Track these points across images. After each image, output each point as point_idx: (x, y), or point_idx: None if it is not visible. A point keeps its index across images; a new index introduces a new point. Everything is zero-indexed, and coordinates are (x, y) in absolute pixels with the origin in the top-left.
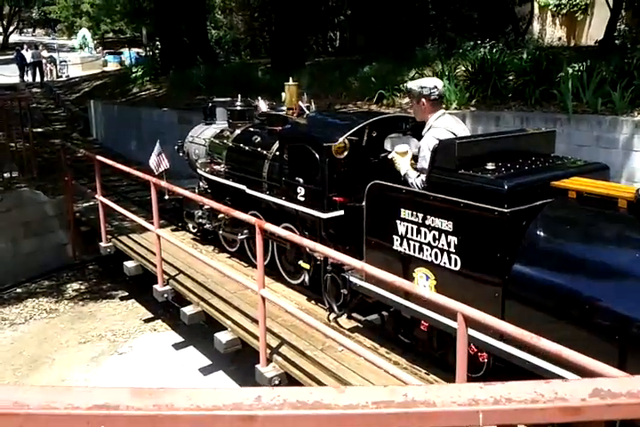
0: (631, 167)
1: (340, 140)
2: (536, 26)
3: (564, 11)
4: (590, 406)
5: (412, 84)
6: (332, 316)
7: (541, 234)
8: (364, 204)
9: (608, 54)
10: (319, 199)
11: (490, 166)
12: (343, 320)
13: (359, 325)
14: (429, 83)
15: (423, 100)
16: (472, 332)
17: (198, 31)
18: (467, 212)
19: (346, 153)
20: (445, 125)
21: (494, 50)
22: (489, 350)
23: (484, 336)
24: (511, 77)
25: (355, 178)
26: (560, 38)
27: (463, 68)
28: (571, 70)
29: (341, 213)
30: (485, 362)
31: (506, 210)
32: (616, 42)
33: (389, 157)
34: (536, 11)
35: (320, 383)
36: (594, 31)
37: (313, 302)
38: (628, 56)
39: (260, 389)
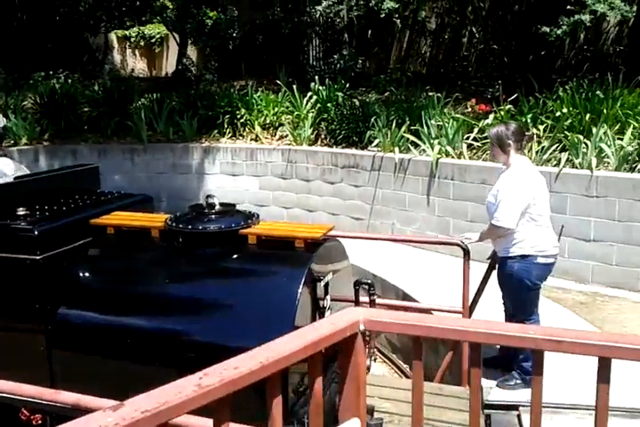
0: (207, 189)
1: None
2: (117, 56)
3: (142, 43)
4: None
5: None
6: None
7: (82, 274)
8: None
9: (179, 86)
10: None
11: (21, 212)
12: None
13: None
14: None
15: None
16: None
17: None
18: None
19: None
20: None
21: (69, 81)
22: (40, 408)
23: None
24: (86, 109)
25: None
26: (133, 70)
27: (32, 101)
28: (144, 101)
29: None
30: (42, 422)
31: (38, 257)
32: (188, 74)
33: None
34: (115, 42)
35: None
36: (171, 63)
37: None
38: (194, 88)
39: None
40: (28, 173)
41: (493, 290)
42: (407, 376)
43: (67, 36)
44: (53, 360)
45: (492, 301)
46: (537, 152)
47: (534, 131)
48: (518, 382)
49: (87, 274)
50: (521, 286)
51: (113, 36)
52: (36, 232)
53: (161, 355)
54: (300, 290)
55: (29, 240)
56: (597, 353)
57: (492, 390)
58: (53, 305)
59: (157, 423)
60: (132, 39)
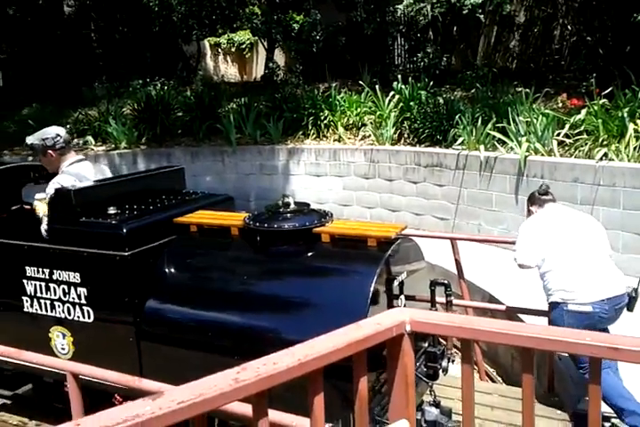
0: (291, 189)
1: None
2: (210, 62)
3: (233, 49)
4: None
5: (33, 139)
6: None
7: (167, 270)
8: None
9: (266, 89)
10: None
11: (112, 211)
12: None
13: (6, 401)
14: (50, 133)
15: (50, 151)
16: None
17: None
18: (91, 260)
19: None
20: (76, 171)
21: (165, 87)
22: (129, 395)
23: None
24: (180, 114)
25: None
26: (224, 75)
27: (131, 107)
28: (234, 105)
29: None
30: None
31: (126, 253)
32: (274, 78)
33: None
34: (208, 49)
35: None
36: (261, 67)
37: None
38: (280, 91)
39: None
40: (110, 176)
41: None
42: (493, 380)
43: (163, 45)
44: (142, 350)
45: None
46: (635, 148)
47: (632, 126)
48: None
49: (172, 269)
50: None
51: (206, 44)
52: (124, 230)
53: (240, 348)
54: (371, 288)
55: (118, 238)
56: None
57: (583, 399)
58: (141, 299)
59: (192, 415)
60: (224, 46)
